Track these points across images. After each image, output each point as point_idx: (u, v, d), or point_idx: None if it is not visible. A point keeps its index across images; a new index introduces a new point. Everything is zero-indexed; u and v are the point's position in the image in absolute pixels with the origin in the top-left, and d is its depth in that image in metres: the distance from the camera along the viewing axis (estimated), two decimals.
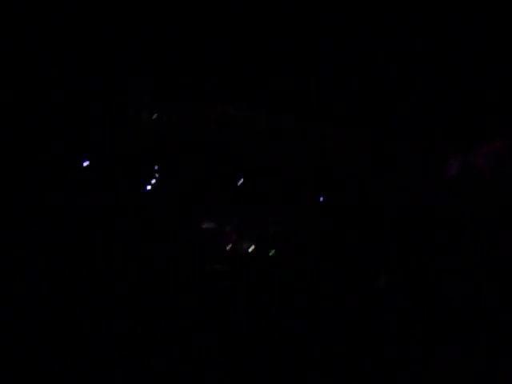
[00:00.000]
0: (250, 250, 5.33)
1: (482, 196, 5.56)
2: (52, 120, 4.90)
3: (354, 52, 5.28)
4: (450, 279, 4.94)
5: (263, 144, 5.46)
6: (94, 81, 5.09)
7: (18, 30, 4.75)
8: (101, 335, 4.09)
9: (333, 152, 5.46)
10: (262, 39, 5.06)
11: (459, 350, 4.18)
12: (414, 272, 5.14)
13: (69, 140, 4.95)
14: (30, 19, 4.74)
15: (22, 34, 4.74)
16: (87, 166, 4.96)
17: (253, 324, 5.06)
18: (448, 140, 5.71)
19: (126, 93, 5.21)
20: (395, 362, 4.30)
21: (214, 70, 5.20)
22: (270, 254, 5.34)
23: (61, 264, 4.41)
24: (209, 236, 5.30)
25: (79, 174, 4.91)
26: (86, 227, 4.85)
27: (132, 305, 4.64)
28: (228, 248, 5.31)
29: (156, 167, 5.19)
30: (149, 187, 5.22)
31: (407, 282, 5.10)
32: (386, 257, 5.25)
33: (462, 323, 4.38)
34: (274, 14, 4.94)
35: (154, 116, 5.21)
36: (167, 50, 5.13)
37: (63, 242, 4.59)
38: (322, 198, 5.32)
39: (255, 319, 5.11)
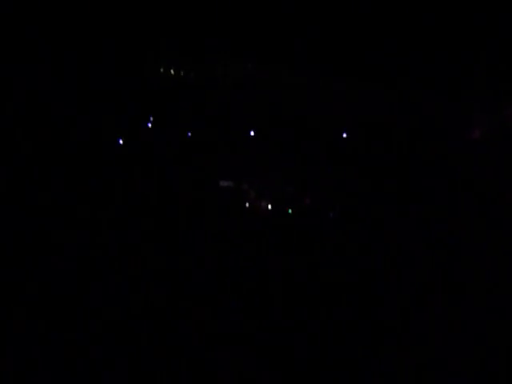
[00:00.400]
0: (268, 207, 5.41)
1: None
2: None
3: None
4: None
5: (282, 99, 5.40)
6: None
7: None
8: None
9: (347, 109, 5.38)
10: None
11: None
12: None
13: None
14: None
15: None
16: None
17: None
18: (475, 101, 5.55)
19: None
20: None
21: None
22: (289, 211, 5.41)
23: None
24: (228, 193, 5.38)
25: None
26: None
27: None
28: (247, 205, 5.39)
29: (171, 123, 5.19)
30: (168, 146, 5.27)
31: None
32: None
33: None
34: None
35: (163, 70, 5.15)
36: None
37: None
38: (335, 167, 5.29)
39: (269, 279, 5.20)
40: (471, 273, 4.68)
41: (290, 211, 5.44)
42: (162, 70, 5.25)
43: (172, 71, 5.26)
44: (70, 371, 3.83)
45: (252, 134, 5.36)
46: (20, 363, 3.82)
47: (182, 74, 5.32)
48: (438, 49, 5.39)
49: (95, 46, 5.13)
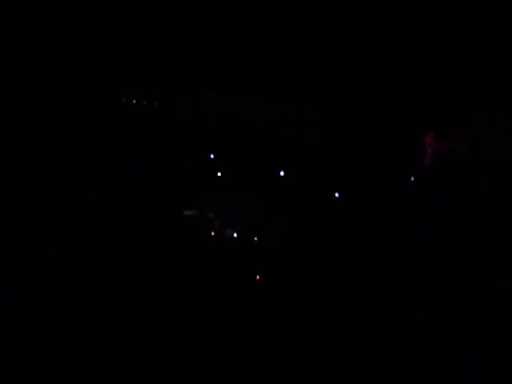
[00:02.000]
0: (233, 235, 5.35)
1: (459, 182, 5.60)
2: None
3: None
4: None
5: (247, 131, 5.43)
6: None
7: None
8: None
9: (318, 140, 5.46)
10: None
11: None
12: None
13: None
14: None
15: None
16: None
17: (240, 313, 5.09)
18: (423, 127, 5.72)
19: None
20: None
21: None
22: (255, 239, 5.37)
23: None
24: (193, 223, 5.30)
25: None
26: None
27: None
28: (212, 234, 5.32)
29: (145, 157, 5.13)
30: (137, 176, 5.17)
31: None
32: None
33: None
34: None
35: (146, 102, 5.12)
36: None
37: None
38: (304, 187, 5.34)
39: (241, 305, 5.14)
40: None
41: (255, 239, 5.41)
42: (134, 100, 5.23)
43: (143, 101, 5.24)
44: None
45: (214, 159, 5.35)
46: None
47: (144, 102, 5.29)
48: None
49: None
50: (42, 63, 4.99)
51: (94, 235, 5.03)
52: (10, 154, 4.72)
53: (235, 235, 5.38)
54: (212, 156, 5.37)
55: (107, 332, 4.18)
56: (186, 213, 5.34)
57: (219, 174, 5.40)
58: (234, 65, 5.27)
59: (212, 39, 5.15)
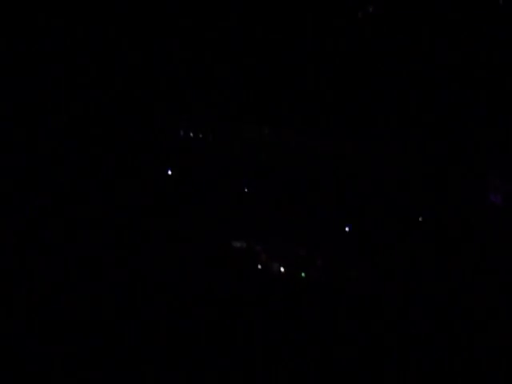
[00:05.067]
0: (281, 270, 5.33)
1: None
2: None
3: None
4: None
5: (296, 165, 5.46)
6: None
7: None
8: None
9: (363, 173, 5.38)
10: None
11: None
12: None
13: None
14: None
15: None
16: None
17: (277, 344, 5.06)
18: (492, 169, 5.49)
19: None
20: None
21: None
22: (302, 275, 5.31)
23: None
24: (240, 255, 5.34)
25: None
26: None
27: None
28: (259, 267, 5.33)
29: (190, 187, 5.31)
30: (186, 206, 5.35)
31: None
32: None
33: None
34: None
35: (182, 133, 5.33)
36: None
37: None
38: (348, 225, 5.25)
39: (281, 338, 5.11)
40: None
41: (303, 275, 5.35)
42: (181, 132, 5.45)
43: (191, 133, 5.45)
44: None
45: (264, 192, 5.41)
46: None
47: (200, 135, 5.49)
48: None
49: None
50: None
51: (134, 256, 5.20)
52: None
53: (282, 270, 5.36)
54: (261, 189, 5.43)
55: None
56: (234, 244, 5.41)
57: (268, 207, 5.44)
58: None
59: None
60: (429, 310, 5.10)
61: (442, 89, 5.29)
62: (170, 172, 5.38)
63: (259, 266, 5.35)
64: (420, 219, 5.36)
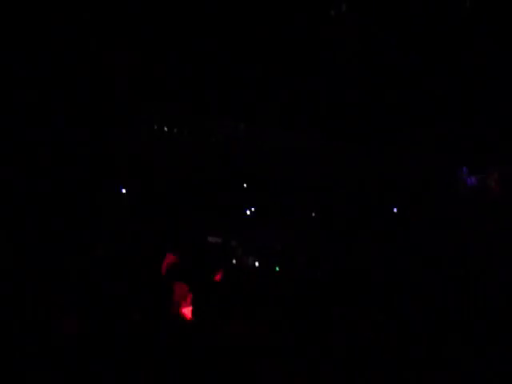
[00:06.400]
0: (255, 264, 5.41)
1: (493, 218, 5.56)
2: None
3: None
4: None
5: (273, 159, 5.52)
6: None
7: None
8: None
9: (339, 167, 5.50)
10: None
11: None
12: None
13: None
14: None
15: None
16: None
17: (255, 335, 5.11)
18: (463, 163, 5.70)
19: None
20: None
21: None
22: (276, 269, 5.40)
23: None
24: (215, 250, 5.39)
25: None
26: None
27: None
28: (234, 262, 5.40)
29: (162, 180, 5.30)
30: (156, 200, 5.33)
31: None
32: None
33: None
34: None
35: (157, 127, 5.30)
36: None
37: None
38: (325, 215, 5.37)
39: (257, 330, 5.15)
40: None
41: (277, 268, 5.44)
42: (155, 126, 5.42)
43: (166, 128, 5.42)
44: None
45: (241, 188, 5.46)
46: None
47: (174, 130, 5.48)
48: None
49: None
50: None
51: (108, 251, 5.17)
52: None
53: (257, 264, 5.44)
54: (238, 185, 5.48)
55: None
56: (211, 239, 5.45)
57: (245, 204, 5.51)
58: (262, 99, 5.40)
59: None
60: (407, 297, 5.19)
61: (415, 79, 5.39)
62: (140, 168, 5.35)
63: (234, 261, 5.43)
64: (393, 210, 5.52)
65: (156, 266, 5.10)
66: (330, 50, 5.26)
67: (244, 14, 5.01)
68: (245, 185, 5.34)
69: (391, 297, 5.27)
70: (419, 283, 5.29)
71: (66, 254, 4.83)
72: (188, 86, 5.26)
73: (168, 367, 4.24)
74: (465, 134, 5.56)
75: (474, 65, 5.29)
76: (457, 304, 5.05)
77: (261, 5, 4.85)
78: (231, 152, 5.40)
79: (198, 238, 5.44)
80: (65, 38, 5.09)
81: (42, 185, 5.10)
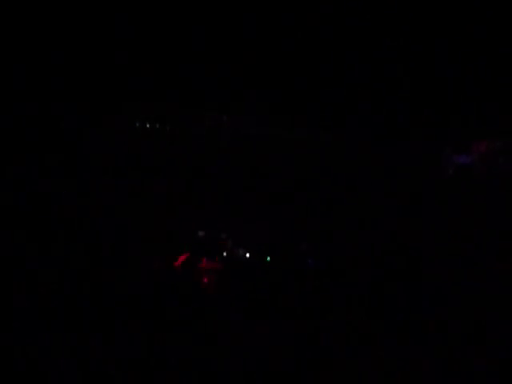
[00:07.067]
0: (246, 255, 5.41)
1: (478, 196, 5.61)
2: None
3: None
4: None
5: (262, 152, 5.50)
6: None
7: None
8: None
9: (326, 156, 5.50)
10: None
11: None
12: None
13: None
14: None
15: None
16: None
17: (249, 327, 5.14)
18: (445, 140, 5.73)
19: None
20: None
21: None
22: (267, 259, 5.42)
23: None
24: (206, 242, 5.38)
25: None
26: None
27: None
28: (224, 254, 5.39)
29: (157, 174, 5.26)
30: (149, 193, 5.30)
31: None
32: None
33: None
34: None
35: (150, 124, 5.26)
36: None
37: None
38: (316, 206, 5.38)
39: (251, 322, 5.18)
40: None
41: (268, 259, 5.45)
42: (137, 123, 5.37)
43: (148, 124, 5.37)
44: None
45: (229, 181, 5.44)
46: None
47: (157, 126, 5.43)
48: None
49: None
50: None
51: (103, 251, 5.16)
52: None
53: (247, 255, 5.45)
54: (226, 178, 5.46)
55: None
56: (200, 233, 5.44)
57: (233, 196, 5.49)
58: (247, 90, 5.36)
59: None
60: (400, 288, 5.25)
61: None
62: (130, 162, 5.31)
63: (224, 254, 5.42)
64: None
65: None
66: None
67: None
68: (233, 176, 5.32)
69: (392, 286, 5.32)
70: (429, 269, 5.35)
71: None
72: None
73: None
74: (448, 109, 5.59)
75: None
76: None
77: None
78: (219, 144, 5.37)
79: (189, 232, 5.44)
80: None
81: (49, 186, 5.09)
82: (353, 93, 5.41)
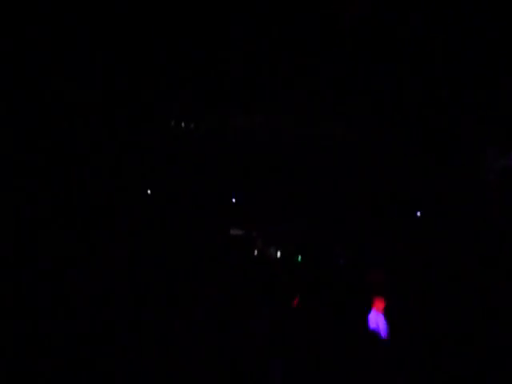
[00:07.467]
0: (277, 255, 5.47)
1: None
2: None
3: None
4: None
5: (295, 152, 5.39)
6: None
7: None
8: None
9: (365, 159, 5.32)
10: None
11: None
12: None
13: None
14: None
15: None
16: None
17: (276, 327, 5.29)
18: (489, 144, 5.46)
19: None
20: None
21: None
22: (299, 259, 5.45)
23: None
24: (236, 241, 5.46)
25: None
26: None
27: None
28: (255, 253, 5.47)
29: (186, 175, 5.30)
30: (182, 194, 5.38)
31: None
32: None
33: None
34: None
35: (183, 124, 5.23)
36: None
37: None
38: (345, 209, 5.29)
39: (279, 320, 5.32)
40: None
41: (299, 259, 5.49)
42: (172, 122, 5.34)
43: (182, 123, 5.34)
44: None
45: (261, 184, 5.42)
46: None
47: (188, 125, 5.39)
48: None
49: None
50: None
51: (144, 250, 5.36)
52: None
53: (279, 255, 5.51)
54: (261, 177, 5.43)
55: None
56: (232, 232, 5.52)
57: (266, 195, 5.48)
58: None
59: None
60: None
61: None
62: (163, 162, 5.36)
63: (255, 252, 5.51)
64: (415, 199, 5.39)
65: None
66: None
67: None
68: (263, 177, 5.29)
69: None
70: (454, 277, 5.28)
71: None
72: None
73: None
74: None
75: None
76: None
77: None
78: (248, 144, 5.31)
79: (220, 230, 5.52)
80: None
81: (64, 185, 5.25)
82: (401, 97, 5.19)
